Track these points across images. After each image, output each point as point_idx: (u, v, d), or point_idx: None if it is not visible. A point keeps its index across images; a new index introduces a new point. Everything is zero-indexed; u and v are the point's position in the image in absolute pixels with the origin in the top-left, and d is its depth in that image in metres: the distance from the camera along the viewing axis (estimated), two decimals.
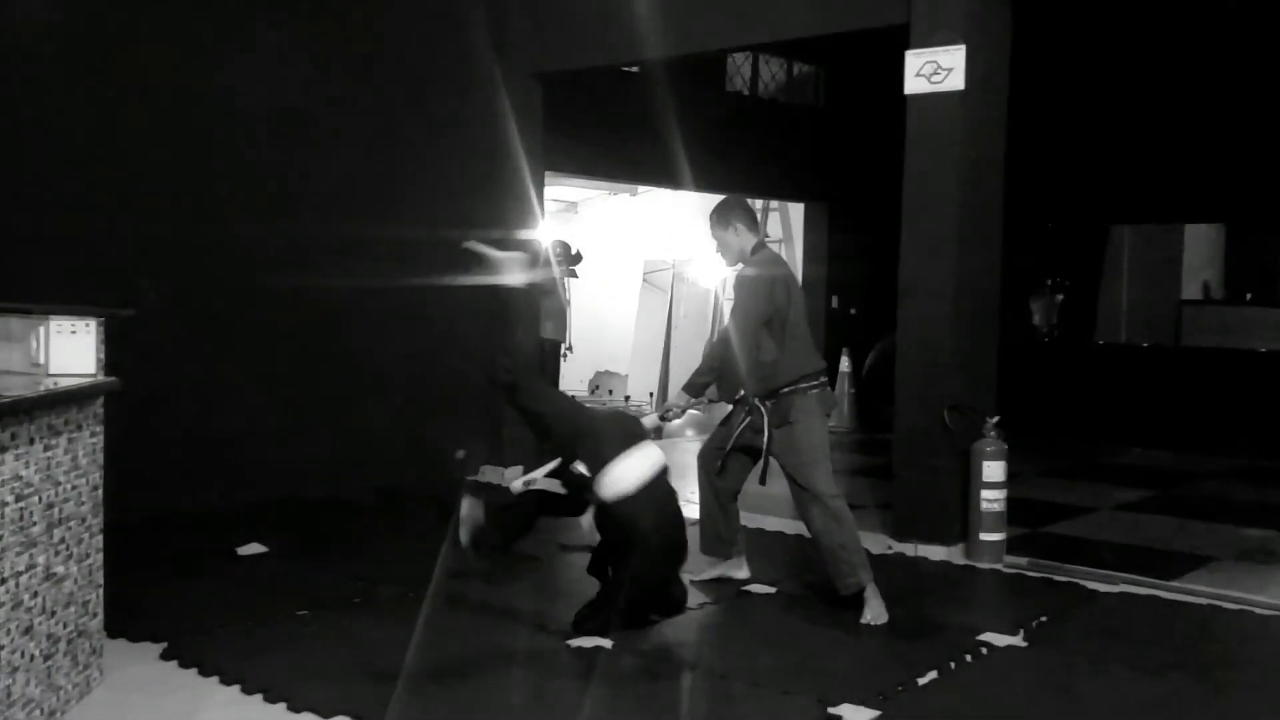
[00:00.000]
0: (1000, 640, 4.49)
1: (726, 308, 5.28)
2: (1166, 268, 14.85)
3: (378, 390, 7.41)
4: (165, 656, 4.16)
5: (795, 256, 12.63)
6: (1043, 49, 7.49)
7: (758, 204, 12.98)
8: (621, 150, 9.54)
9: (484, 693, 3.89)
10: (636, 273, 14.02)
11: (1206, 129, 9.79)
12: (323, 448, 7.09)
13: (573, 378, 11.93)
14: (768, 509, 7.06)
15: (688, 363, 13.67)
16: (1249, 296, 16.55)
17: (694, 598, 5.07)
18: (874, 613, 4.71)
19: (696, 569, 5.29)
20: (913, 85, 6.04)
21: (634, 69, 9.49)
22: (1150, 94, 9.77)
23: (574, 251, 8.86)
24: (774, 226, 13.11)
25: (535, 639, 4.46)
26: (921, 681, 4.01)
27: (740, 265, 5.09)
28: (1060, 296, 11.88)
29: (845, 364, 11.27)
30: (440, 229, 7.65)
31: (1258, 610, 5.01)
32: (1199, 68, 9.17)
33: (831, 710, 3.71)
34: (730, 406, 5.24)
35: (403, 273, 7.50)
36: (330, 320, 7.20)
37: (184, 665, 4.07)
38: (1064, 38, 8.36)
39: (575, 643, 4.37)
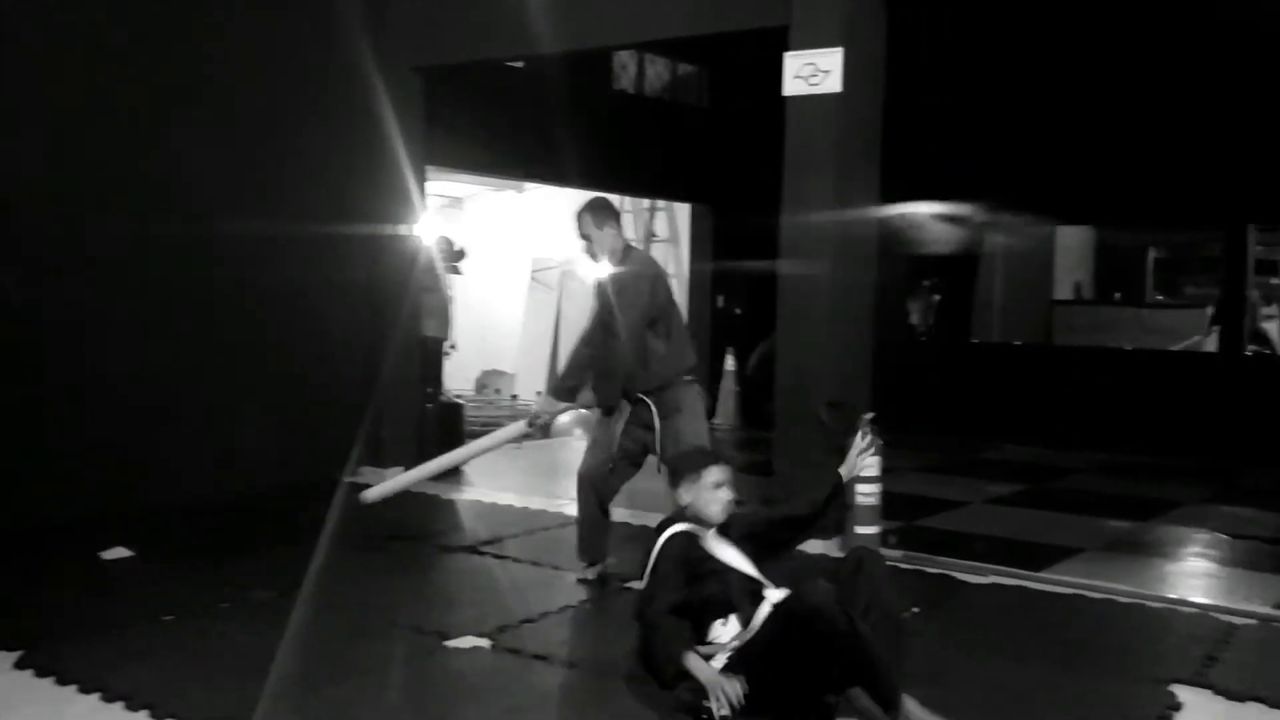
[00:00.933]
0: None
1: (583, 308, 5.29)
2: (1039, 268, 15.39)
3: (253, 390, 7.21)
4: (20, 666, 3.98)
5: (682, 256, 12.72)
6: (919, 52, 7.67)
7: (644, 203, 13.04)
8: (506, 146, 9.47)
9: (357, 695, 3.80)
10: (524, 270, 13.94)
11: (1077, 133, 10.14)
12: (195, 450, 6.88)
13: (458, 376, 11.79)
14: (652, 506, 7.09)
15: None
16: (1117, 296, 17.25)
17: (575, 595, 5.06)
18: None
19: (578, 569, 5.32)
20: (791, 87, 6.13)
21: (519, 64, 9.43)
22: (1023, 98, 10.08)
23: (457, 248, 8.77)
24: (660, 226, 13.17)
25: (411, 640, 4.38)
26: None
27: (610, 265, 5.11)
28: (937, 296, 12.19)
29: (730, 363, 11.40)
30: (317, 224, 7.53)
31: (1120, 598, 5.20)
32: (1072, 72, 9.49)
33: (707, 703, 3.72)
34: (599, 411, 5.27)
35: (280, 268, 7.33)
36: (204, 318, 6.98)
37: (40, 675, 3.89)
38: (939, 41, 8.57)
39: (452, 643, 4.31)
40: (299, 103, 7.51)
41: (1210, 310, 13.69)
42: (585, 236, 5.15)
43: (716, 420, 11.48)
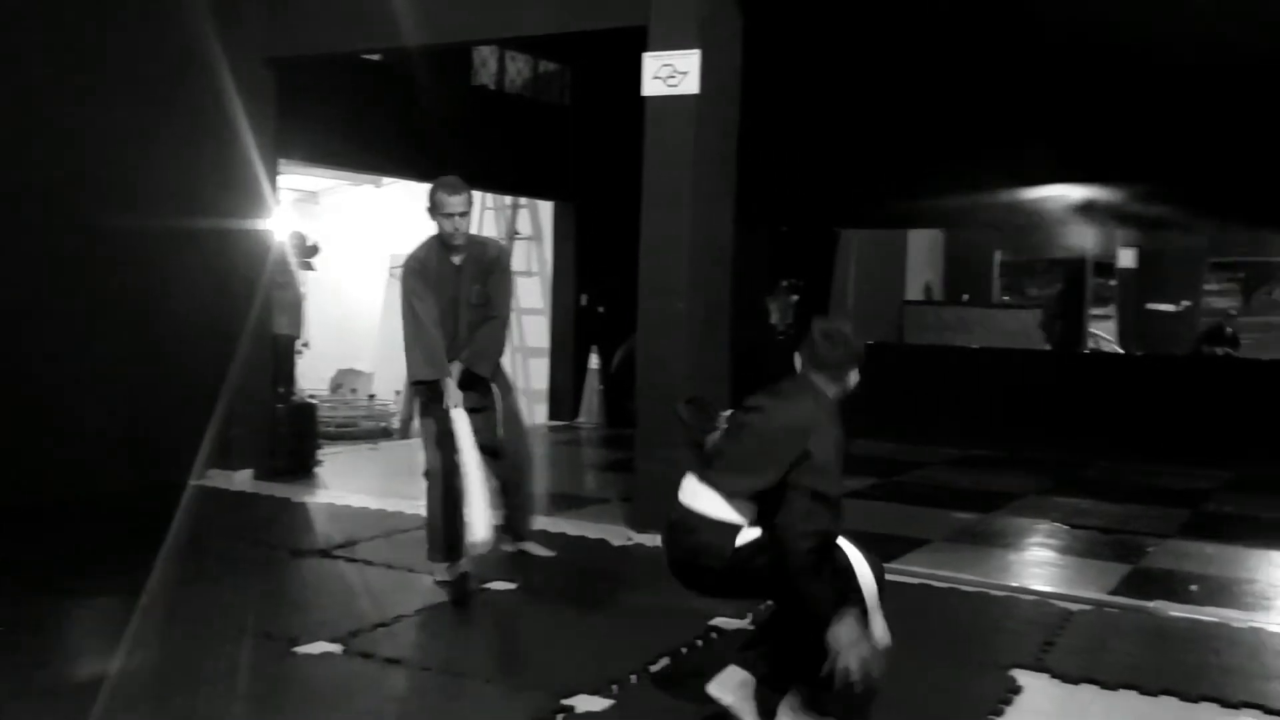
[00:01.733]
0: (730, 624, 4.63)
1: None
2: (891, 270, 15.86)
3: (97, 390, 6.89)
4: None
5: (545, 254, 12.66)
6: (776, 56, 7.80)
7: (506, 200, 12.94)
8: (364, 140, 9.26)
9: (203, 705, 3.67)
10: (382, 266, 13.68)
11: (929, 138, 10.47)
12: (33, 452, 6.53)
13: (312, 375, 11.51)
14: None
15: None
16: (965, 298, 17.90)
17: (431, 597, 4.99)
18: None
19: (436, 571, 5.25)
20: (650, 87, 6.16)
21: (376, 57, 9.25)
22: (876, 103, 10.35)
23: (310, 243, 8.55)
24: (523, 224, 13.09)
25: (260, 647, 4.25)
26: (654, 668, 4.09)
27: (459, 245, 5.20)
28: (795, 296, 12.43)
29: (594, 361, 11.42)
30: (164, 218, 7.25)
31: (964, 588, 5.39)
32: (921, 79, 9.78)
33: (565, 701, 3.72)
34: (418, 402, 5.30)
35: (126, 264, 7.04)
36: (45, 315, 6.65)
37: None
38: (796, 46, 8.74)
39: (302, 649, 4.20)
40: (145, 95, 7.21)
41: (1039, 312, 14.33)
42: (464, 214, 5.12)
43: (581, 419, 11.49)
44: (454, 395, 5.04)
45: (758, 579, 3.39)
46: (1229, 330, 12.83)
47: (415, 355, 5.09)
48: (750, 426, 3.52)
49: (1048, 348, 13.28)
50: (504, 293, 5.39)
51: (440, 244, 5.18)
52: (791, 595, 3.33)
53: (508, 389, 5.47)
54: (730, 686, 3.50)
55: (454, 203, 5.06)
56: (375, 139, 9.29)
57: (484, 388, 5.27)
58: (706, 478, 3.49)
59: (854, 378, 3.60)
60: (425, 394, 5.21)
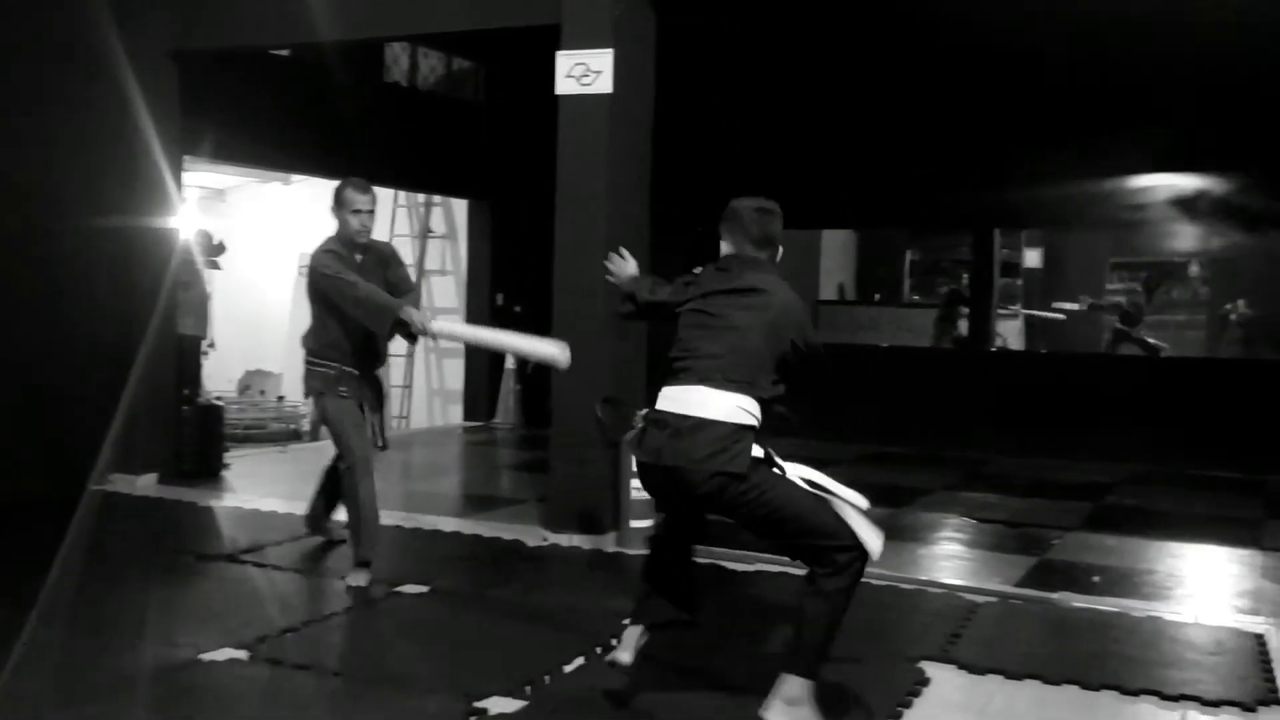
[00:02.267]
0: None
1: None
2: (805, 270, 16.05)
3: None
4: None
5: (460, 252, 12.56)
6: (689, 56, 7.84)
7: (419, 198, 12.80)
8: (272, 137, 9.07)
9: (103, 714, 3.56)
10: (291, 265, 13.44)
11: (840, 140, 10.62)
12: None
13: (219, 376, 11.26)
14: (423, 508, 6.99)
15: None
16: (877, 297, 18.19)
17: (342, 602, 4.91)
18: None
19: (355, 575, 5.17)
20: (563, 86, 6.14)
21: (285, 53, 9.08)
22: (789, 105, 10.47)
23: (216, 242, 8.37)
24: (437, 221, 12.97)
25: (163, 656, 4.13)
26: (568, 668, 4.08)
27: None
28: None
29: (510, 361, 11.34)
30: (63, 217, 7.04)
31: (874, 581, 5.37)
32: (835, 81, 9.90)
33: (478, 704, 3.69)
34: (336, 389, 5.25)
35: (22, 263, 6.81)
36: None
37: None
38: (709, 46, 8.78)
39: (208, 656, 4.10)
40: (41, 89, 6.98)
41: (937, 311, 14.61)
42: (371, 212, 5.19)
43: (497, 419, 11.41)
44: (424, 317, 5.06)
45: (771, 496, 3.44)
46: (1128, 308, 13.14)
47: (372, 306, 5.02)
48: (738, 323, 3.53)
49: (946, 347, 13.55)
50: (408, 280, 5.54)
51: (341, 243, 5.17)
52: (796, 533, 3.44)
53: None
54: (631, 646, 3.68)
55: (363, 200, 5.14)
56: (284, 136, 9.12)
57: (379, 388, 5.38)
58: (710, 380, 3.45)
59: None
60: (333, 383, 5.17)
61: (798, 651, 3.46)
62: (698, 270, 3.78)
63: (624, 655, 3.69)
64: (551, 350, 4.79)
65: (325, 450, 9.75)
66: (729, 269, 3.67)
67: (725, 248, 3.69)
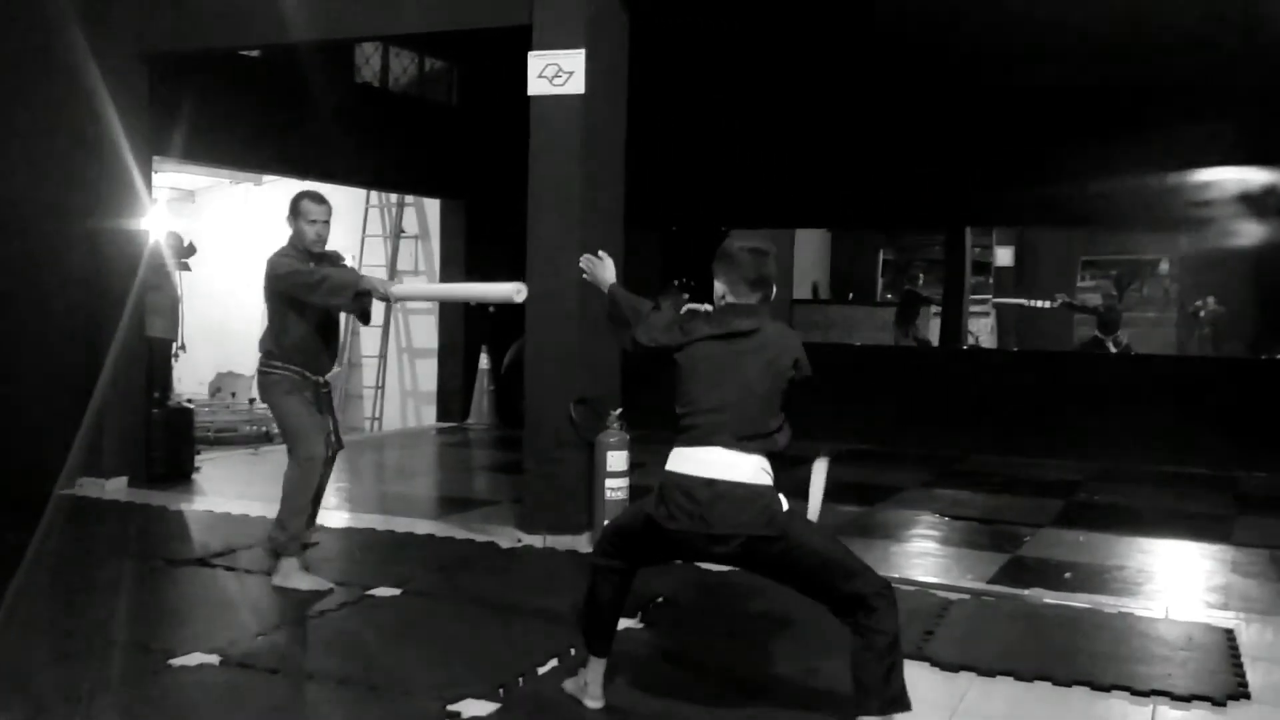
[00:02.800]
0: (622, 624, 4.59)
1: None
2: (780, 269, 16.10)
3: None
4: None
5: (433, 252, 12.52)
6: (663, 56, 7.84)
7: (392, 198, 12.75)
8: (243, 138, 9.01)
9: None
10: (262, 267, 13.36)
11: (814, 140, 10.65)
12: None
13: (190, 379, 11.19)
14: (397, 509, 6.97)
15: None
16: (851, 296, 18.28)
17: (313, 606, 4.87)
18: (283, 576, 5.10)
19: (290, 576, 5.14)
20: (536, 87, 6.13)
21: (255, 53, 9.02)
22: (763, 105, 10.49)
23: (186, 244, 8.30)
24: (409, 221, 12.92)
25: (133, 661, 4.10)
26: (541, 670, 4.07)
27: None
28: (687, 296, 12.51)
29: (485, 361, 11.32)
30: (30, 219, 6.97)
31: None
32: (808, 81, 9.93)
33: (451, 707, 3.68)
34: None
35: None
36: None
37: None
38: (683, 47, 8.78)
39: (178, 661, 4.06)
40: (9, 91, 6.91)
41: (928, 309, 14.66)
42: (327, 222, 5.27)
43: (470, 420, 11.38)
44: (384, 283, 5.22)
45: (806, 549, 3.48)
46: (1104, 312, 13.23)
47: (333, 283, 5.07)
48: (740, 369, 3.53)
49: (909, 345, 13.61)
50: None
51: (296, 250, 5.24)
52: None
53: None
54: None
55: (319, 211, 5.24)
56: (256, 136, 9.06)
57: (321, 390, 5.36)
58: (725, 440, 3.45)
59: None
60: (296, 385, 5.20)
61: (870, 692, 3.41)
62: (693, 307, 3.75)
63: (598, 698, 3.71)
64: (507, 290, 4.93)
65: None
66: (724, 314, 3.63)
67: (719, 288, 3.65)
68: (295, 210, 5.26)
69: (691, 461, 3.46)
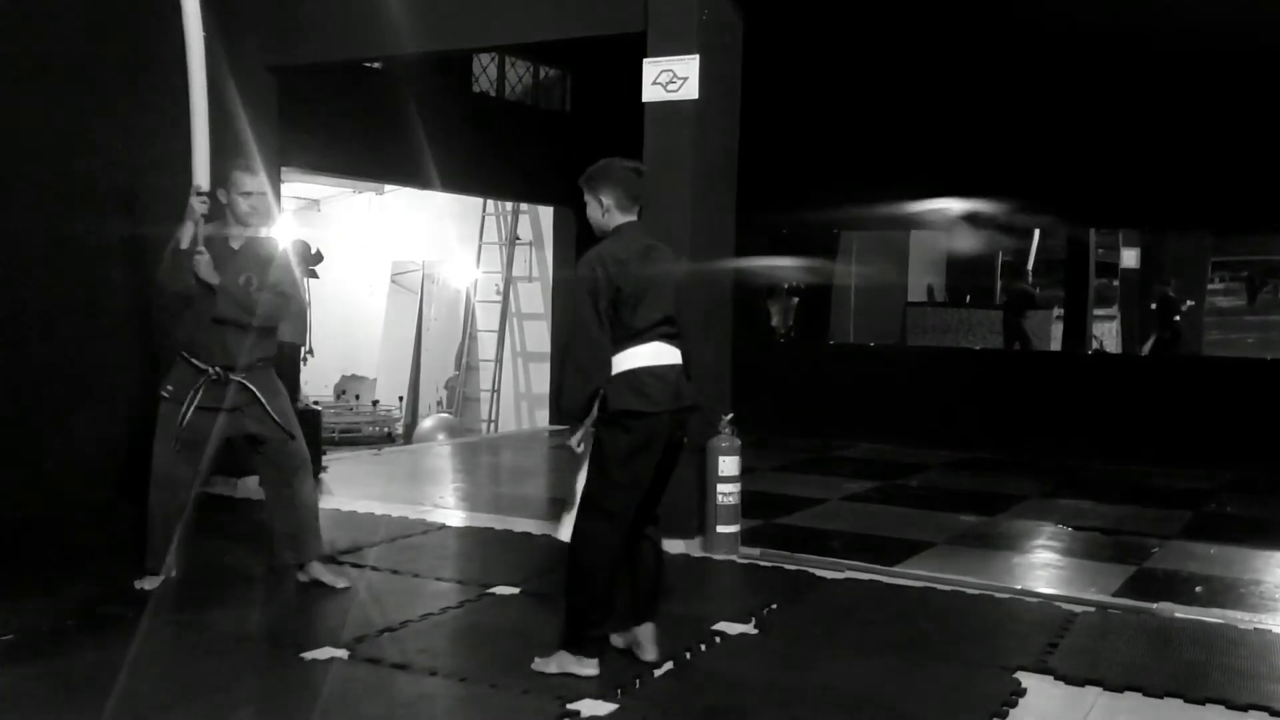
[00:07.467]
0: (733, 629, 4.64)
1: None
2: (894, 272, 15.89)
3: (82, 401, 6.87)
4: None
5: (546, 259, 12.70)
6: (776, 57, 7.83)
7: (508, 206, 12.97)
8: (365, 147, 9.29)
9: (211, 712, 3.67)
10: (384, 273, 13.72)
11: (933, 138, 10.48)
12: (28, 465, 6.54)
13: (316, 382, 11.54)
14: (512, 511, 7.08)
15: (439, 365, 13.52)
16: (968, 299, 17.92)
17: (437, 603, 4.99)
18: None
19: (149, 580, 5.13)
20: (650, 93, 6.17)
21: (376, 65, 9.28)
22: (876, 104, 10.37)
23: (314, 251, 8.56)
24: (524, 229, 13.13)
25: (266, 654, 4.27)
26: (658, 673, 4.10)
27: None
28: (796, 299, 12.45)
29: None
30: (165, 227, 7.24)
31: (968, 590, 5.38)
32: (924, 78, 9.80)
33: (570, 706, 3.73)
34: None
35: (133, 274, 7.04)
36: (52, 325, 6.68)
37: None
38: (797, 47, 8.75)
39: (309, 655, 4.21)
40: (148, 105, 7.21)
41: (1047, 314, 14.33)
42: (262, 194, 5.17)
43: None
44: (208, 264, 4.90)
45: None
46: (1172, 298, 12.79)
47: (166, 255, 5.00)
48: (654, 280, 4.05)
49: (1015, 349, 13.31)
50: (292, 284, 5.33)
51: (223, 225, 5.08)
52: None
53: (275, 392, 5.27)
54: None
55: (251, 183, 5.07)
56: (376, 146, 9.32)
57: (247, 387, 5.09)
58: (667, 336, 4.05)
59: None
60: (183, 381, 5.02)
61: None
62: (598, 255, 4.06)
63: (653, 652, 4.16)
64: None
65: (419, 453, 9.97)
66: (632, 235, 4.16)
67: (606, 200, 4.23)
68: (228, 182, 5.04)
69: (649, 354, 3.99)
